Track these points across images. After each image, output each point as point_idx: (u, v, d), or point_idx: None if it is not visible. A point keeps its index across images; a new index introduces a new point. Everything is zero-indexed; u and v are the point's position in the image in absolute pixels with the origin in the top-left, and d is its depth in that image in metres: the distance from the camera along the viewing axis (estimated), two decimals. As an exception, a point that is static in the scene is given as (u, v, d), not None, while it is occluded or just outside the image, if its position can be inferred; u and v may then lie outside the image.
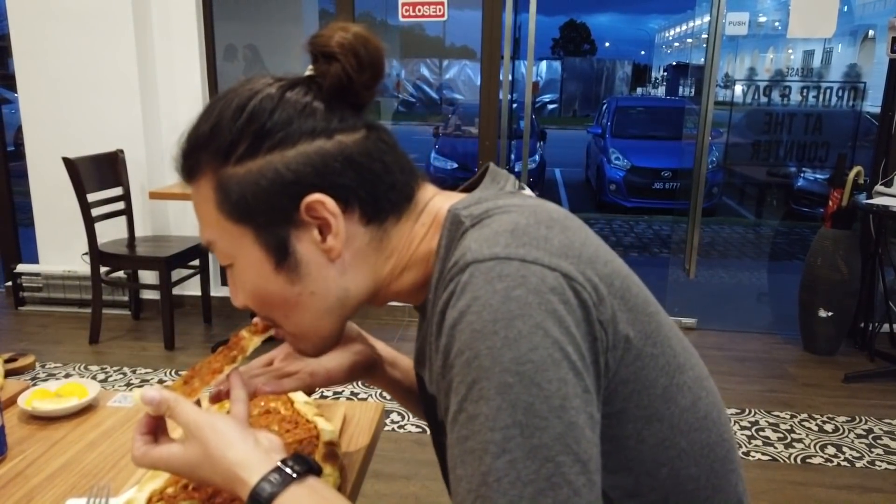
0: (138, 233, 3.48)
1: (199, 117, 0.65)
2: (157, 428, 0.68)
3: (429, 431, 0.79)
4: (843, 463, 2.44)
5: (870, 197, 3.19)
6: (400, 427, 2.62)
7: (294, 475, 0.61)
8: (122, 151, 3.39)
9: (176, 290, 3.38)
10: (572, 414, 0.53)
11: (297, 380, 0.81)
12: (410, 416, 2.69)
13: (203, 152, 0.64)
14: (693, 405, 0.65)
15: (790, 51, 11.93)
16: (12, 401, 1.06)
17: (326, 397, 2.74)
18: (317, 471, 0.64)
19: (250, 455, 0.63)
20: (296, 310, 0.68)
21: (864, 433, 2.64)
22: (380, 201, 0.65)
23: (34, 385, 1.10)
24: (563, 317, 0.55)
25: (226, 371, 0.72)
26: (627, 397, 0.60)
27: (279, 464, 0.62)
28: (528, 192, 0.72)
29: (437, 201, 0.70)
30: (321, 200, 0.62)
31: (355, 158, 0.63)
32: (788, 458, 2.47)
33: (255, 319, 0.74)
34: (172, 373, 3.05)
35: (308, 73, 0.66)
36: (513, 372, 0.53)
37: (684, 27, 35.93)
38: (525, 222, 0.60)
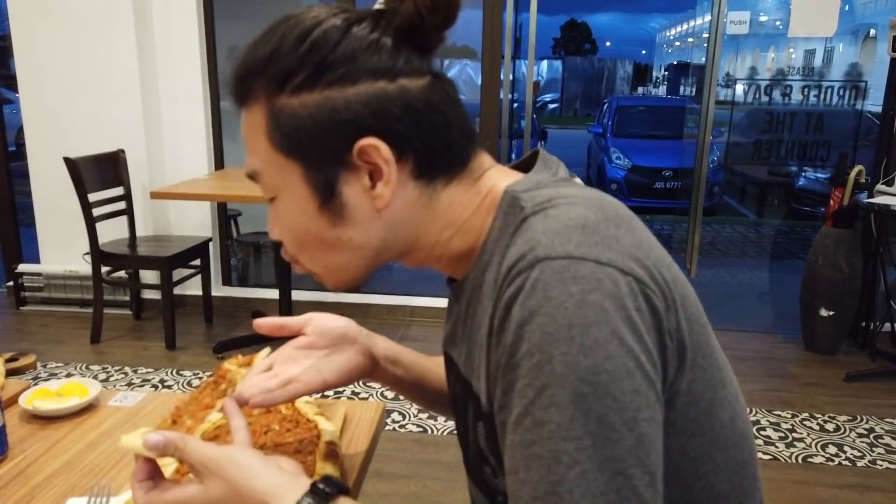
0: (139, 232, 3.48)
1: (257, 40, 0.61)
2: (154, 472, 0.64)
3: (454, 420, 0.76)
4: (844, 462, 2.43)
5: (871, 196, 3.19)
6: (401, 426, 2.62)
7: (327, 498, 0.59)
8: (123, 151, 3.39)
9: (177, 290, 3.38)
10: (644, 426, 0.52)
11: (289, 392, 0.77)
12: (411, 415, 2.69)
13: (259, 78, 0.60)
14: (731, 421, 0.64)
15: (791, 50, 11.91)
16: (13, 400, 1.06)
17: (327, 396, 2.74)
18: (346, 491, 0.62)
19: (278, 482, 0.61)
20: (330, 251, 0.65)
21: (866, 432, 2.64)
22: (435, 157, 0.62)
23: (35, 384, 1.10)
24: (636, 324, 0.53)
25: (218, 405, 0.70)
26: (679, 409, 0.59)
27: (311, 486, 0.60)
28: (578, 180, 0.70)
29: (492, 175, 0.66)
30: (376, 145, 0.59)
31: (416, 106, 0.60)
32: (790, 457, 2.47)
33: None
34: (173, 372, 3.05)
35: (377, 7, 0.62)
36: (588, 382, 0.51)
37: (685, 26, 35.92)
38: (594, 218, 0.57)
